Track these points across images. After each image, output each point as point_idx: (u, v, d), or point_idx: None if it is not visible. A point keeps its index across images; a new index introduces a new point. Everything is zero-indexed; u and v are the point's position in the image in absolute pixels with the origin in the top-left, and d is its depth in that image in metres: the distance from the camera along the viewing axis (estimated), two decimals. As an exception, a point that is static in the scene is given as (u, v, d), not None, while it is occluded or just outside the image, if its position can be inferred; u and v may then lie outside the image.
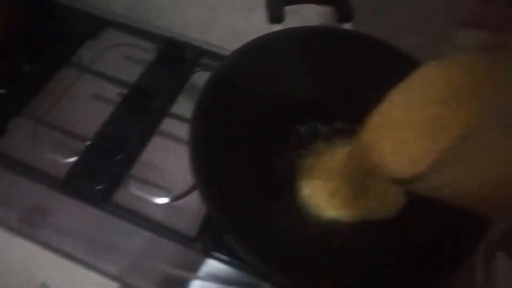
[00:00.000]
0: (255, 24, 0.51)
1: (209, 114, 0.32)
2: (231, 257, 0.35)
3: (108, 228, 0.37)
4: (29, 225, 0.38)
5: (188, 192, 0.38)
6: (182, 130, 0.43)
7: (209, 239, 0.36)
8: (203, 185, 0.28)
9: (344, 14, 0.38)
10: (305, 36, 0.37)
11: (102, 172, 0.39)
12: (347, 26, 0.38)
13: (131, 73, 0.48)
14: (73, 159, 0.40)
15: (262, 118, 0.35)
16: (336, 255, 0.29)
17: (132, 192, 0.39)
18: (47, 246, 0.37)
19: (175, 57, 0.48)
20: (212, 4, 0.51)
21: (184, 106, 0.46)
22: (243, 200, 0.31)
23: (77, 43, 0.51)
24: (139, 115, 0.44)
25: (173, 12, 0.54)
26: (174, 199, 0.38)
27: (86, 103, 0.46)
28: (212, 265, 0.36)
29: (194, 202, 0.39)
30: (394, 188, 0.32)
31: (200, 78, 0.49)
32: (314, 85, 0.37)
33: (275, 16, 0.37)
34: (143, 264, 0.35)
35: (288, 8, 0.38)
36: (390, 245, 0.29)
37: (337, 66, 0.36)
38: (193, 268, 0.35)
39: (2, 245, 0.38)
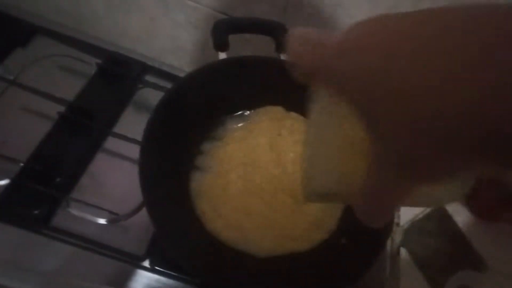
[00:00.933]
0: (197, 40, 0.53)
1: (158, 137, 0.33)
2: (176, 271, 0.37)
3: (49, 253, 0.36)
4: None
5: (134, 212, 0.39)
6: (126, 148, 0.43)
7: (157, 257, 0.38)
8: (151, 207, 0.29)
9: (282, 45, 0.42)
10: (239, 64, 0.40)
11: (40, 195, 0.38)
12: (283, 56, 0.43)
13: (68, 87, 0.46)
14: (4, 182, 0.38)
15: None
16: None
17: (74, 214, 0.38)
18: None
19: (117, 73, 0.48)
20: (152, 15, 0.51)
21: (128, 124, 0.45)
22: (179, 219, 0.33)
23: (4, 51, 0.46)
24: (79, 133, 0.43)
25: (109, 21, 0.53)
26: (118, 219, 0.39)
27: (15, 119, 0.43)
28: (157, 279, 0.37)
29: (139, 221, 0.40)
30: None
31: (144, 95, 0.49)
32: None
33: (219, 43, 0.40)
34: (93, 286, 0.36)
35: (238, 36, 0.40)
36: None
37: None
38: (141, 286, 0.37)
39: None
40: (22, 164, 0.38)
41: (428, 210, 0.44)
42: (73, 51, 0.50)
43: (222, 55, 0.40)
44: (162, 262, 0.37)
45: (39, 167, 0.38)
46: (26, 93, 0.43)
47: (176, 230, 0.30)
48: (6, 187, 0.38)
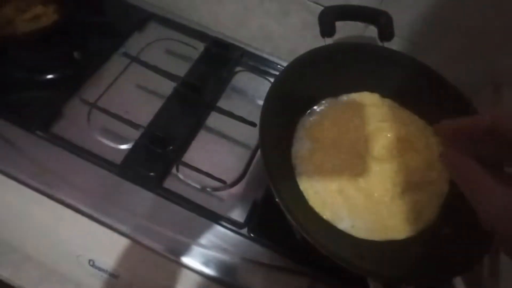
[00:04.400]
0: (287, 29, 0.55)
1: (270, 115, 0.35)
2: (273, 241, 0.40)
3: (162, 210, 0.41)
4: (83, 203, 0.40)
5: (238, 181, 0.42)
6: (226, 125, 0.47)
7: (256, 225, 0.40)
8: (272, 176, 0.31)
9: (386, 33, 0.43)
10: (350, 49, 0.42)
11: (155, 160, 0.43)
12: (387, 44, 0.43)
13: (177, 68, 0.51)
14: (128, 146, 0.43)
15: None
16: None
17: (182, 179, 0.43)
18: (100, 223, 0.40)
19: (220, 56, 0.52)
20: (247, 5, 0.54)
21: (228, 102, 0.49)
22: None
23: (125, 34, 0.53)
24: (188, 108, 0.47)
25: (206, 9, 0.57)
26: (224, 187, 0.42)
27: (135, 92, 0.49)
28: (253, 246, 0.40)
29: (239, 192, 0.43)
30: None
31: (242, 77, 0.52)
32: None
33: (327, 30, 0.41)
34: (194, 244, 0.39)
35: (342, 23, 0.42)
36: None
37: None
38: (239, 251, 0.40)
39: (54, 221, 0.41)
40: (143, 130, 0.44)
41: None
42: (180, 36, 0.55)
43: (328, 41, 0.41)
44: (259, 231, 0.40)
45: (157, 133, 0.43)
46: (143, 70, 0.49)
47: (288, 197, 0.32)
48: (130, 150, 0.43)
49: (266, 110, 0.35)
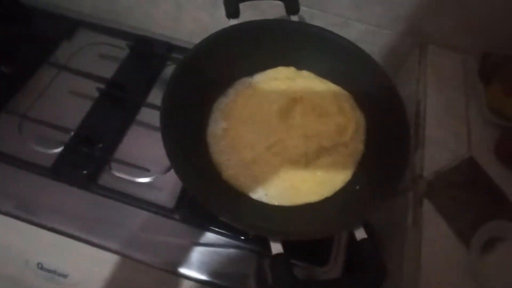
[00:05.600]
0: (219, 20, 0.56)
1: (176, 96, 0.37)
2: (205, 222, 0.41)
3: (96, 206, 0.42)
4: (24, 210, 0.42)
5: (165, 171, 0.44)
6: (157, 119, 0.48)
7: (185, 209, 0.42)
8: (175, 163, 0.33)
9: (292, 7, 0.44)
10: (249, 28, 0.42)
11: (86, 160, 0.44)
12: (294, 18, 0.44)
13: (107, 70, 0.52)
14: (59, 149, 0.45)
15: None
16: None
17: (115, 175, 0.44)
18: (42, 227, 0.42)
19: (146, 53, 0.53)
20: (178, 1, 0.56)
21: (158, 97, 0.50)
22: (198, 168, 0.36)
23: (53, 44, 0.54)
24: (117, 107, 0.48)
25: (141, 10, 0.58)
26: (150, 175, 0.44)
27: (66, 98, 0.50)
28: (189, 230, 0.42)
29: (170, 180, 0.44)
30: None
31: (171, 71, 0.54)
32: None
33: (231, 11, 0.42)
34: (131, 234, 0.41)
35: (247, 4, 0.43)
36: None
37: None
38: (171, 234, 0.41)
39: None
40: (72, 133, 0.45)
41: (455, 162, 0.43)
42: (109, 39, 0.56)
43: (234, 22, 0.42)
44: (189, 214, 0.42)
45: (86, 134, 0.44)
46: (73, 76, 0.50)
47: (196, 178, 0.33)
48: (60, 153, 0.45)
49: (169, 94, 0.36)
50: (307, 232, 0.31)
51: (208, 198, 0.31)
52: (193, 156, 0.35)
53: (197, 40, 0.57)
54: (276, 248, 0.28)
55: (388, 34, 0.50)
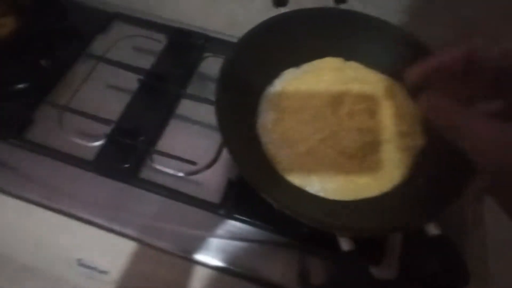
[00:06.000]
0: (253, 12, 0.55)
1: (228, 87, 0.35)
2: (251, 218, 0.40)
3: (140, 200, 0.41)
4: (64, 204, 0.41)
5: (210, 165, 0.42)
6: (197, 110, 0.47)
7: (231, 204, 0.40)
8: (233, 151, 0.31)
9: (339, -4, 0.42)
10: (296, 17, 0.41)
11: (128, 152, 0.43)
12: (343, 6, 0.42)
13: (144, 62, 0.51)
14: (100, 142, 0.44)
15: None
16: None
17: (157, 168, 0.43)
18: (82, 221, 0.41)
19: (183, 45, 0.52)
20: None
21: (198, 88, 0.49)
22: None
23: (89, 37, 0.53)
24: (157, 99, 0.47)
25: (174, 2, 0.57)
26: (196, 170, 0.42)
27: (105, 90, 0.49)
28: (235, 226, 0.40)
29: (214, 174, 0.43)
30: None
31: (210, 62, 0.52)
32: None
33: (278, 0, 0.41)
34: (173, 230, 0.40)
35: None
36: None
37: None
38: (215, 230, 0.40)
39: (40, 225, 0.42)
40: (114, 125, 0.44)
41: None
42: (144, 31, 0.55)
43: (282, 11, 0.41)
44: (236, 209, 0.40)
45: (127, 126, 0.43)
46: (111, 68, 0.50)
47: (253, 168, 0.32)
48: (102, 145, 0.44)
49: (221, 87, 0.35)
50: (379, 228, 0.29)
51: (266, 190, 0.30)
52: (247, 146, 0.34)
53: (231, 32, 0.56)
54: (347, 244, 0.27)
55: (432, 25, 0.48)
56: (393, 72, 0.42)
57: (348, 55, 0.43)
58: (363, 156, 0.36)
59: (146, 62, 0.51)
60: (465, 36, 0.48)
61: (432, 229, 0.29)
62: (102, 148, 0.43)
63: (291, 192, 0.34)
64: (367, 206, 0.34)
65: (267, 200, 0.29)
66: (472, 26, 0.46)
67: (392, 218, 0.31)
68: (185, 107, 0.48)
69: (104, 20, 0.56)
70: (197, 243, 0.39)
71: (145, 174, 0.43)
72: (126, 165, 0.42)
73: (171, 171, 0.43)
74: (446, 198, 0.29)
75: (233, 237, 0.40)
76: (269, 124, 0.38)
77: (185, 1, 0.56)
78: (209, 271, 0.38)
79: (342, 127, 0.37)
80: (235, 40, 0.55)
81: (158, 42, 0.53)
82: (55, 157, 0.43)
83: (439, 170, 0.34)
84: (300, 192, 0.34)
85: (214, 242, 0.39)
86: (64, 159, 0.43)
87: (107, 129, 0.44)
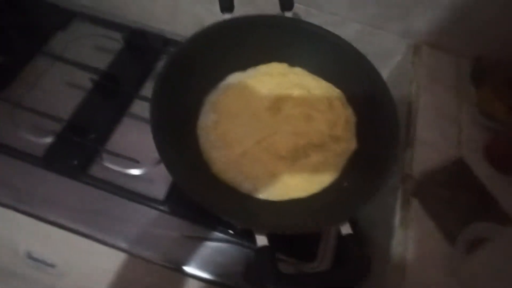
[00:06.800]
0: (216, 14, 0.56)
1: (167, 88, 0.37)
2: (193, 214, 0.41)
3: (86, 197, 0.43)
4: (14, 199, 0.42)
5: (155, 162, 0.44)
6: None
7: (175, 202, 0.42)
8: (164, 154, 0.33)
9: (286, 4, 0.44)
10: (243, 23, 0.42)
11: (78, 150, 0.44)
12: (288, 14, 0.44)
13: (101, 61, 0.52)
14: (50, 139, 0.45)
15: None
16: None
17: (106, 166, 0.44)
18: (32, 216, 0.42)
19: (141, 46, 0.53)
20: None
21: (151, 90, 0.50)
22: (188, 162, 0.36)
23: (47, 34, 0.54)
24: (110, 98, 0.48)
25: (137, 3, 0.58)
26: (140, 166, 0.44)
27: (60, 88, 0.50)
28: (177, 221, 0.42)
29: (161, 172, 0.44)
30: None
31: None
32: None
33: (226, 6, 0.42)
34: (120, 225, 0.41)
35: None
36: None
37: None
38: (161, 226, 0.41)
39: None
40: (65, 122, 0.45)
41: (444, 162, 0.43)
42: (104, 30, 0.56)
43: (228, 17, 0.42)
44: (178, 206, 0.42)
45: (78, 124, 0.44)
46: (67, 67, 0.50)
47: (186, 170, 0.33)
48: (52, 142, 0.45)
49: (160, 86, 0.36)
50: (292, 225, 0.31)
51: (195, 190, 0.31)
52: (183, 148, 0.36)
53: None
54: (261, 240, 0.29)
55: (383, 34, 0.50)
56: (334, 79, 0.44)
57: (293, 61, 0.45)
58: (295, 158, 0.38)
59: (104, 61, 0.52)
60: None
61: (346, 229, 0.32)
62: (52, 144, 0.44)
63: (222, 192, 0.36)
64: (294, 206, 0.36)
65: (192, 199, 0.30)
66: (421, 36, 0.49)
67: (313, 217, 0.34)
68: (139, 106, 0.49)
69: (65, 18, 0.56)
70: (141, 238, 0.41)
71: (94, 171, 0.44)
72: (75, 162, 0.43)
73: (118, 169, 0.44)
74: (357, 202, 0.32)
75: (178, 233, 0.41)
76: (209, 125, 0.40)
77: (149, 2, 0.57)
78: (143, 262, 0.40)
79: (278, 130, 0.39)
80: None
81: (117, 42, 0.54)
82: (5, 152, 0.44)
83: (361, 175, 0.36)
84: (232, 192, 0.36)
85: (154, 236, 0.41)
86: (14, 155, 0.44)
87: (58, 126, 0.45)
